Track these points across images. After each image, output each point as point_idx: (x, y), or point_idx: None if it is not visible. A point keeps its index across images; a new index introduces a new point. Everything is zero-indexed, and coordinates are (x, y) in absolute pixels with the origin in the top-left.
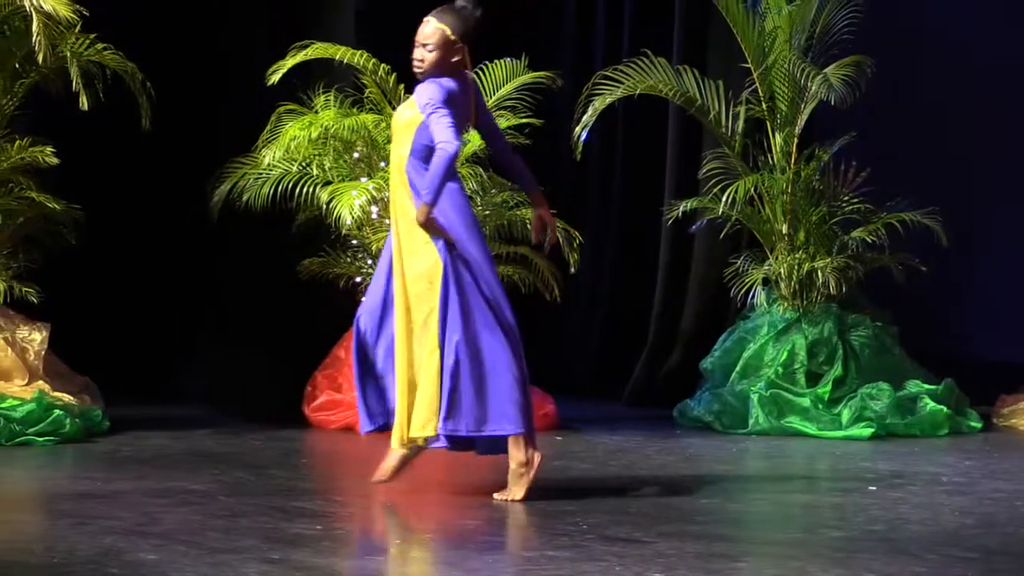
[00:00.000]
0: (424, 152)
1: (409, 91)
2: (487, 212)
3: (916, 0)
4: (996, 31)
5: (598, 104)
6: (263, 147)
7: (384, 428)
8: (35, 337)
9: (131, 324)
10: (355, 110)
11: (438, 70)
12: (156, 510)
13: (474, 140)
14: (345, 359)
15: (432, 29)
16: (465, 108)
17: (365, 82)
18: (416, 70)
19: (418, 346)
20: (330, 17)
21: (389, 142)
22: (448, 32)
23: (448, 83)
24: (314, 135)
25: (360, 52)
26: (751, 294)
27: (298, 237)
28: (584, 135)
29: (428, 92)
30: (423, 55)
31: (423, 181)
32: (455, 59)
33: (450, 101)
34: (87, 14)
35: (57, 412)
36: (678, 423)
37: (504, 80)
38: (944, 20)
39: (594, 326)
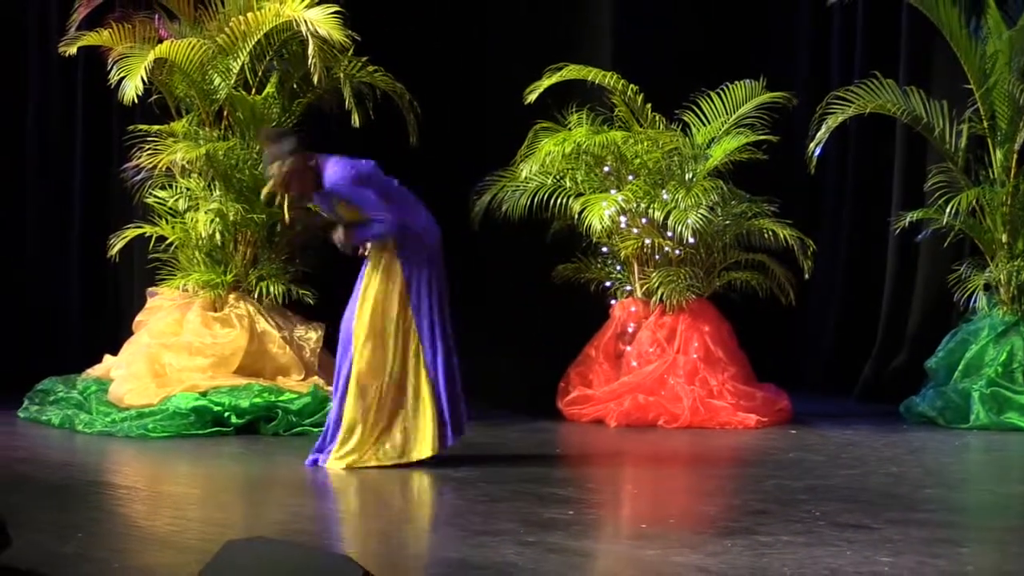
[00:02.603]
0: None
1: (656, 110)
2: (727, 222)
3: None
4: None
5: (831, 122)
6: (521, 161)
7: None
8: (311, 336)
9: None
10: (605, 127)
11: None
12: (420, 495)
13: (715, 155)
14: (595, 357)
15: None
16: None
17: (615, 101)
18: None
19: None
20: (587, 40)
21: (637, 158)
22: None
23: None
24: (567, 150)
25: (611, 73)
26: (973, 299)
27: (552, 244)
28: (818, 151)
29: None
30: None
31: None
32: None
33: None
34: (359, 39)
35: (331, 405)
36: (904, 418)
37: (744, 100)
38: None
39: (826, 328)
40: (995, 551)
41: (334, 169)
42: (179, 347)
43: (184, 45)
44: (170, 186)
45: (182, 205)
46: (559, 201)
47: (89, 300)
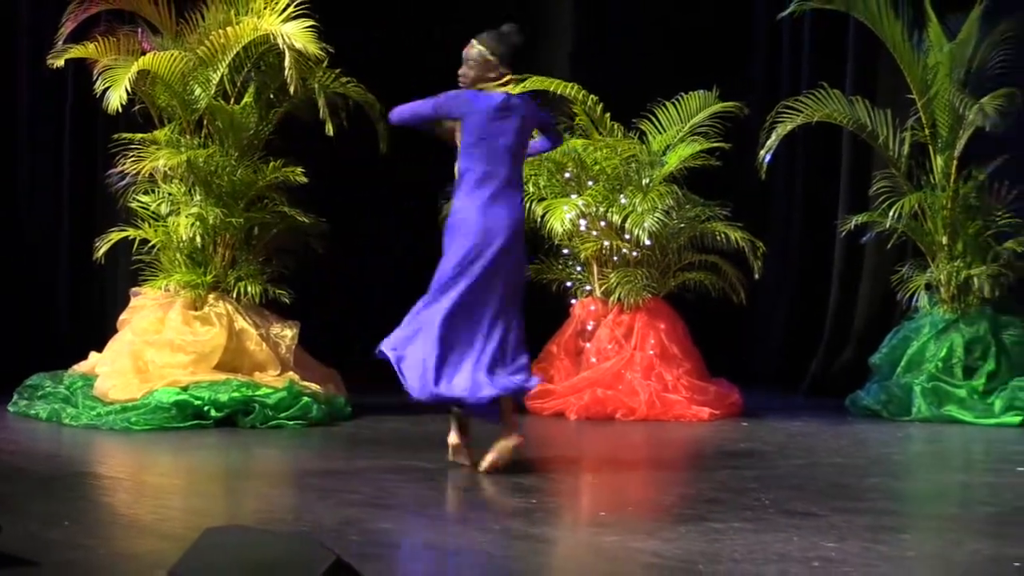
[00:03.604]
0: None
1: (615, 119)
2: (681, 225)
3: None
4: None
5: (780, 130)
6: None
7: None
8: (287, 333)
9: (370, 322)
10: (566, 135)
11: (472, 85)
12: (391, 485)
13: (670, 161)
14: (556, 354)
15: (475, 52)
16: (479, 121)
17: (576, 111)
18: (460, 84)
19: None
20: (549, 53)
21: (597, 164)
22: (487, 54)
23: (469, 94)
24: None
25: (572, 84)
26: (915, 298)
27: None
28: (768, 157)
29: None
30: (464, 71)
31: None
32: (491, 75)
33: (448, 103)
34: (332, 51)
35: (305, 399)
36: (850, 411)
37: (697, 109)
38: None
39: (776, 325)
40: (935, 537)
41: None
42: (161, 344)
43: (166, 57)
44: (153, 191)
45: (164, 209)
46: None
47: (76, 300)
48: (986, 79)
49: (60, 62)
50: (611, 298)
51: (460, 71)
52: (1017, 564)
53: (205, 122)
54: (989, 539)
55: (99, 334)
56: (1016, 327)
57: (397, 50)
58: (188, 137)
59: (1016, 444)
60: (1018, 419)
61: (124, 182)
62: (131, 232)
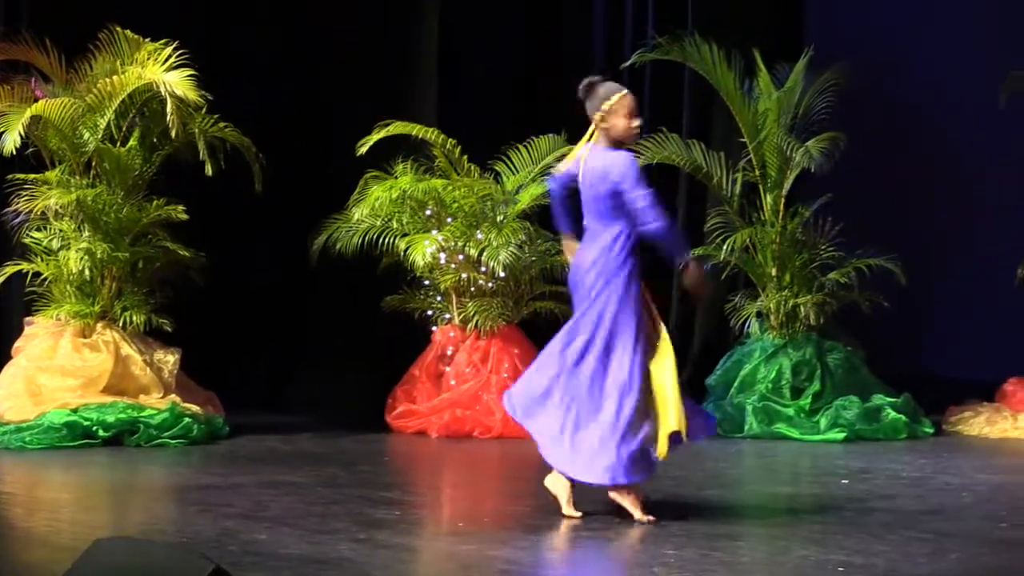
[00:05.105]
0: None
1: (472, 161)
2: (533, 258)
3: (886, 86)
4: (954, 109)
5: None
6: (353, 206)
7: None
8: (169, 359)
9: (247, 348)
10: (427, 176)
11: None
12: (266, 499)
13: (523, 200)
14: (419, 377)
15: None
16: None
17: (436, 153)
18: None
19: None
20: (416, 99)
21: (455, 202)
22: None
23: None
24: (394, 196)
25: (432, 129)
26: (746, 324)
27: (381, 278)
28: None
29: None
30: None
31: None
32: None
33: None
34: (211, 98)
35: (186, 419)
36: None
37: (548, 151)
38: (913, 99)
39: None
40: (766, 544)
41: None
42: (53, 369)
43: (57, 104)
44: (45, 228)
45: (56, 245)
46: (387, 240)
47: None
48: (811, 123)
49: None
50: (468, 325)
51: (638, 124)
52: (841, 569)
53: (93, 163)
54: (815, 546)
55: None
56: (839, 351)
57: (267, 97)
58: (78, 178)
59: (840, 459)
60: (841, 435)
61: (19, 220)
62: (25, 266)
